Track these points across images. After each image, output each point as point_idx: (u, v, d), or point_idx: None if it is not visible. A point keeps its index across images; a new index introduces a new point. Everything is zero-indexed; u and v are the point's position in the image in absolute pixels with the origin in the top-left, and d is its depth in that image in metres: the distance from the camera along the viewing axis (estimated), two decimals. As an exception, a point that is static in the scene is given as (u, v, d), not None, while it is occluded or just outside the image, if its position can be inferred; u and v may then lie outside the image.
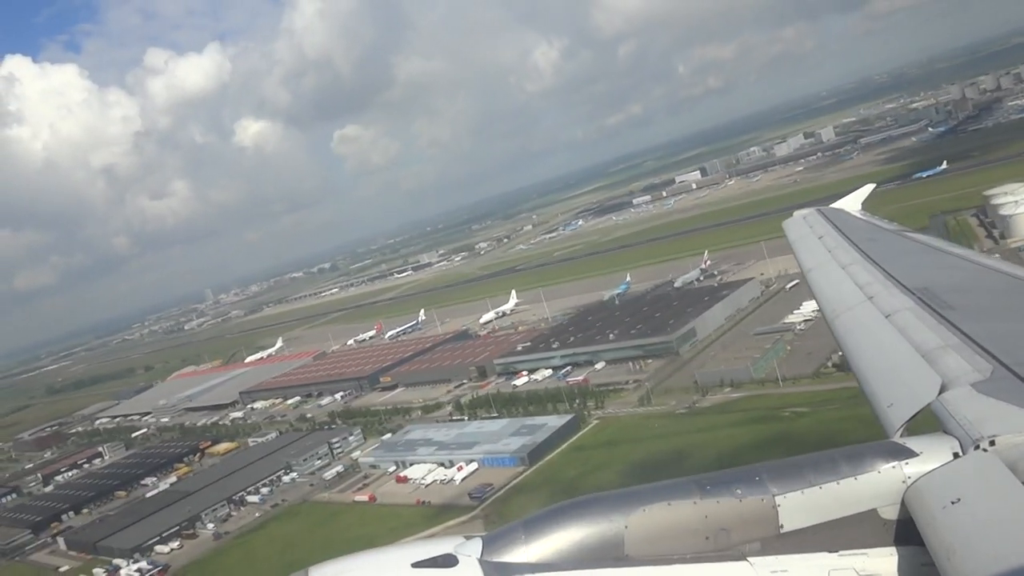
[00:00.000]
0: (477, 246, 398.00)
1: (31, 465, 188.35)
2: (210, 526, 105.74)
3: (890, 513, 6.50)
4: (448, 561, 6.12)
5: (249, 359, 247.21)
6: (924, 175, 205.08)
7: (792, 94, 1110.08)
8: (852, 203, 23.50)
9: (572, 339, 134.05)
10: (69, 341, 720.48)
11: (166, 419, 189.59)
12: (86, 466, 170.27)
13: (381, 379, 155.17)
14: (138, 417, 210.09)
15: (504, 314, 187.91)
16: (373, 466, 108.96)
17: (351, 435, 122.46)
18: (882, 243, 17.30)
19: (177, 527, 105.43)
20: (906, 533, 6.36)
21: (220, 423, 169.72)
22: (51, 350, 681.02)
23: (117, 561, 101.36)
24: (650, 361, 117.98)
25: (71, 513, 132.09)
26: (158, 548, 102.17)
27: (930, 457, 6.59)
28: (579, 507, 6.54)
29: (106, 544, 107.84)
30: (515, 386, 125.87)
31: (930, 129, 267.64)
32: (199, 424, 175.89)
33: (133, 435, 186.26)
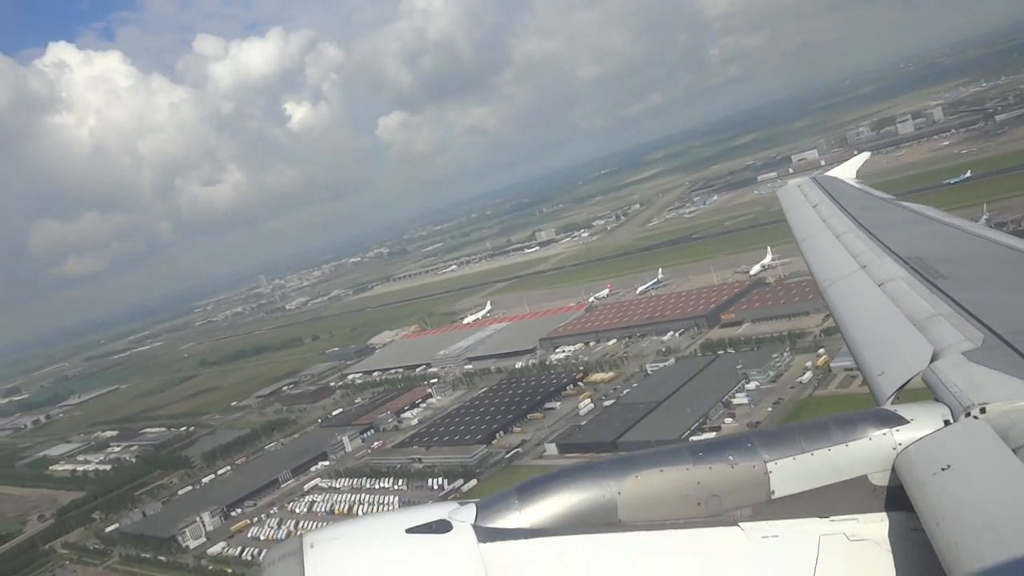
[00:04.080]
0: (594, 223, 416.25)
1: (339, 411, 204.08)
2: (728, 420, 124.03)
3: (881, 479, 6.57)
4: (442, 527, 6.15)
5: (468, 319, 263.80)
6: (952, 182, 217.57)
7: (806, 84, 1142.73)
8: (847, 171, 23.91)
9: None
10: (123, 326, 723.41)
11: (470, 366, 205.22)
12: (422, 404, 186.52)
13: (723, 316, 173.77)
14: (401, 369, 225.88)
15: (768, 267, 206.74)
16: (848, 368, 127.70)
17: (786, 352, 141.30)
18: (876, 212, 17.55)
19: (697, 421, 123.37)
20: (896, 499, 6.45)
21: (547, 364, 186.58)
22: (108, 335, 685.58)
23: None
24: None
25: (501, 433, 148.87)
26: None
27: (921, 424, 6.68)
28: (573, 473, 6.62)
29: (625, 440, 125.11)
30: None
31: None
32: (517, 366, 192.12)
33: (432, 381, 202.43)
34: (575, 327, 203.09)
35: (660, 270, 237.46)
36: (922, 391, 7.68)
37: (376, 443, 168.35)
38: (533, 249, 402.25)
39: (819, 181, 22.48)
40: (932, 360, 8.04)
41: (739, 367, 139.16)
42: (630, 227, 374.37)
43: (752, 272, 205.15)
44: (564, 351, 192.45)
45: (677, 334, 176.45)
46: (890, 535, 6.44)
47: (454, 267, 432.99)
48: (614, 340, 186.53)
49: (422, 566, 5.85)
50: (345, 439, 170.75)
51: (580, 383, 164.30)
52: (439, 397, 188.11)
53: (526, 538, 6.08)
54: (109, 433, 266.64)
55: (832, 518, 6.49)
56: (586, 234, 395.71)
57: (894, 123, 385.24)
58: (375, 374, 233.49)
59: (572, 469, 6.69)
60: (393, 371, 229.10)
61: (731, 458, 6.54)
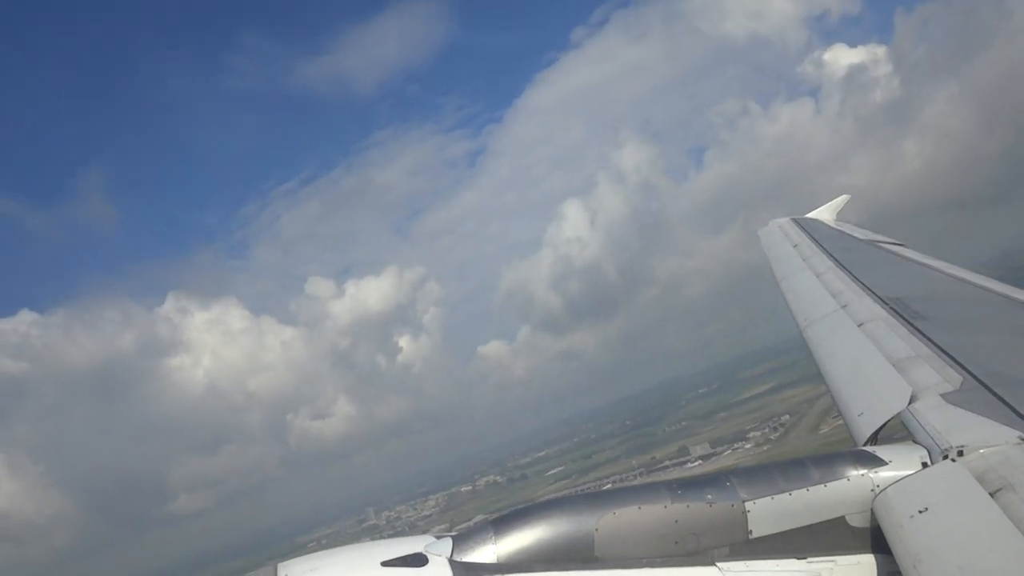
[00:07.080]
0: (749, 435, 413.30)
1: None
2: None
3: (859, 521, 6.47)
4: (418, 560, 6.09)
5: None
6: None
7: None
8: (827, 214, 24.43)
9: None
10: (225, 564, 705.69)
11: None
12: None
13: None
14: None
15: None
16: None
17: None
18: (856, 253, 18.06)
19: None
20: (874, 541, 6.34)
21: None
22: (218, 574, 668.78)
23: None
24: None
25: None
26: None
27: (899, 466, 6.58)
28: (549, 508, 6.55)
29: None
30: None
31: None
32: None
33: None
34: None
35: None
36: (901, 432, 7.61)
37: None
38: (696, 463, 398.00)
39: (799, 222, 22.70)
40: (911, 402, 7.83)
41: None
42: (799, 435, 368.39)
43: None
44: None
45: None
46: None
47: (609, 485, 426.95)
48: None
49: None
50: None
51: None
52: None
53: (501, 573, 6.07)
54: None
55: (810, 559, 6.40)
56: (749, 446, 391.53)
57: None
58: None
59: (549, 503, 6.72)
60: None
61: (709, 497, 6.45)
